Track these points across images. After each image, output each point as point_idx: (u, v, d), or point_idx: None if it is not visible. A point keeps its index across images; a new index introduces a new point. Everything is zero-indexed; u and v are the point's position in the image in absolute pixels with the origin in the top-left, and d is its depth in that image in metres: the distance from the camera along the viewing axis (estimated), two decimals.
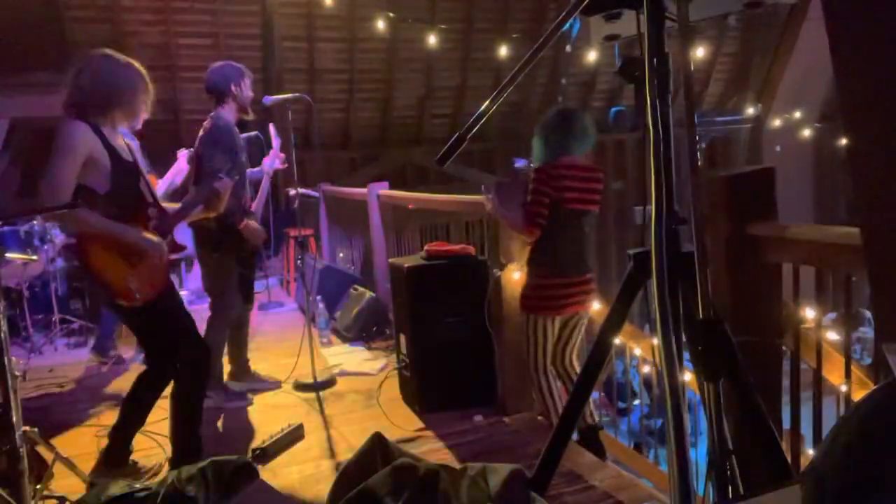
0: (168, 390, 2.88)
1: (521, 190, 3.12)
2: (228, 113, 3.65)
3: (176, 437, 2.87)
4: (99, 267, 2.64)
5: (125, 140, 2.85)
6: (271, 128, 4.06)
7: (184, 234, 3.41)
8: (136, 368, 4.66)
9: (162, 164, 4.51)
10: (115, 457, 2.82)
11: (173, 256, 2.97)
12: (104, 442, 2.86)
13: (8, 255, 4.83)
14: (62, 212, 2.49)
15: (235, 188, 3.44)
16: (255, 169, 3.97)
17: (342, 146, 9.03)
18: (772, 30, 9.87)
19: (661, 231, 1.27)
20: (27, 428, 2.37)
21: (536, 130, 3.21)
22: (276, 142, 4.03)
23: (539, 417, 3.37)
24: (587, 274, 3.20)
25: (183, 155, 4.28)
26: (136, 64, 2.77)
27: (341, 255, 6.99)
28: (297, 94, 3.95)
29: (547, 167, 3.07)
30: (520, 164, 3.22)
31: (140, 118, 2.82)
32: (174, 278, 5.89)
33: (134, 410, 2.85)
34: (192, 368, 2.85)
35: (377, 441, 2.24)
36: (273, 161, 3.99)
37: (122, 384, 4.28)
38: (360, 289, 5.33)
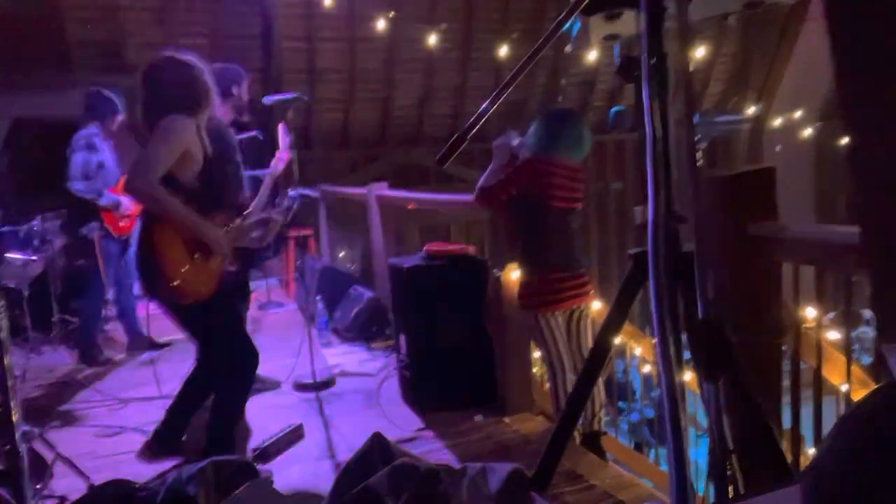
0: None
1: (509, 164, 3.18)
2: (224, 113, 3.64)
3: (212, 435, 2.88)
4: (159, 246, 2.62)
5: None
6: (280, 127, 4.03)
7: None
8: (135, 368, 4.68)
9: None
10: (168, 446, 2.93)
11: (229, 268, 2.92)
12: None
13: (8, 255, 4.83)
14: (145, 189, 2.51)
15: (231, 190, 3.41)
16: (264, 170, 3.95)
17: (342, 146, 9.02)
18: (772, 30, 9.86)
19: (660, 231, 1.27)
20: (27, 427, 2.37)
21: (538, 117, 3.22)
22: (284, 141, 4.00)
23: (539, 417, 3.37)
24: (579, 269, 3.21)
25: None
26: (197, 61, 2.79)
27: (341, 255, 6.99)
28: (296, 94, 3.95)
29: (536, 162, 3.08)
30: (514, 141, 3.24)
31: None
32: None
33: (184, 405, 2.96)
34: (233, 370, 2.89)
35: (377, 441, 2.24)
36: (277, 161, 3.96)
37: (122, 384, 4.29)
38: (360, 289, 5.33)
